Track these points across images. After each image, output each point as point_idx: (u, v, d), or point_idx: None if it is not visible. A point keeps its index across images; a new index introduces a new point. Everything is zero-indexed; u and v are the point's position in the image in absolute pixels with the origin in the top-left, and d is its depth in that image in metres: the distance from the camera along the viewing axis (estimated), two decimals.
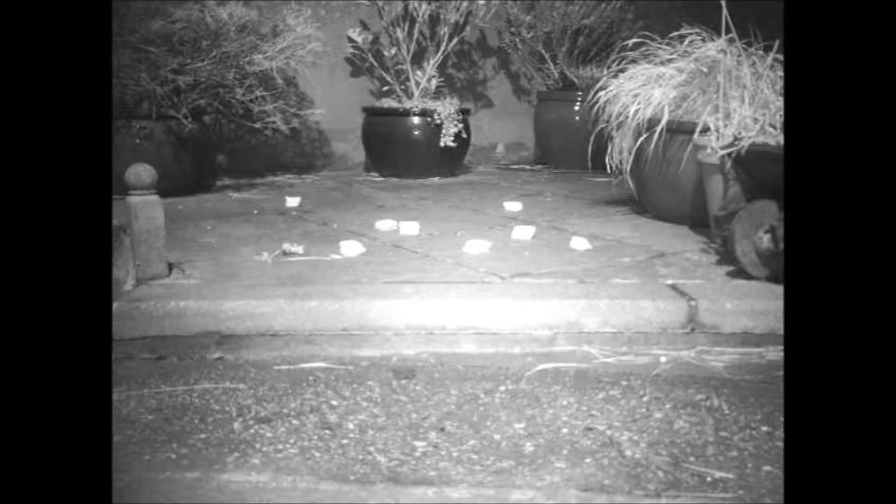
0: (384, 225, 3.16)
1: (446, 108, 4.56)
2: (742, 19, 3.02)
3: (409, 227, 3.10)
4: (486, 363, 2.02)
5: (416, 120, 4.61)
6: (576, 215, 3.51)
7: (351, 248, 2.73)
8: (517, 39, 5.31)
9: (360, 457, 1.59)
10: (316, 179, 4.76)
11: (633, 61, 3.28)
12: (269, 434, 1.82)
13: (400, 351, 2.09)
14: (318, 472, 1.62)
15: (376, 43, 4.92)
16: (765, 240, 2.34)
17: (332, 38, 4.74)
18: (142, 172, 2.38)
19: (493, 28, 5.30)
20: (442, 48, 4.81)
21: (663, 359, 2.06)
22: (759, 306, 2.19)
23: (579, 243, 2.82)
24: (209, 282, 2.38)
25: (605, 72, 3.51)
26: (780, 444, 1.61)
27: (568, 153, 5.07)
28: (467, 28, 4.94)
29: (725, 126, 2.78)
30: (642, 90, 3.12)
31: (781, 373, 1.97)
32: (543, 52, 5.25)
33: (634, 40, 3.34)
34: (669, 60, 3.17)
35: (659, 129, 3.03)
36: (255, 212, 3.61)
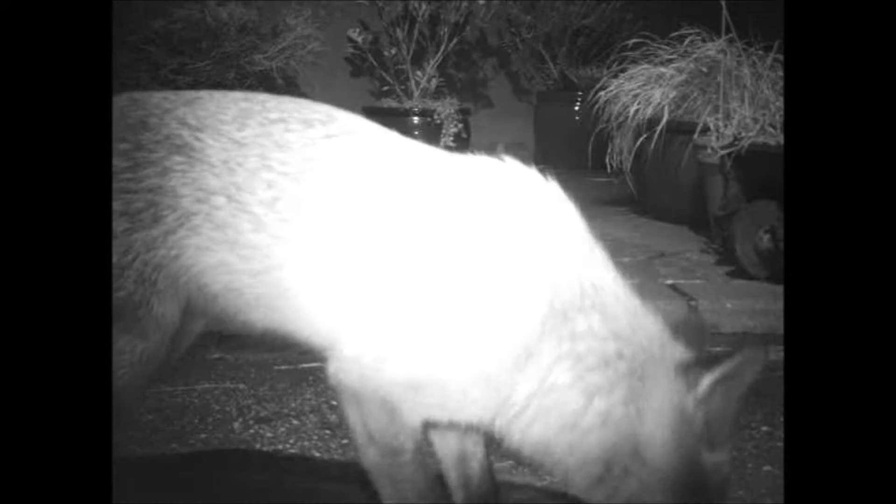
0: None
1: (446, 108, 4.55)
2: (742, 19, 3.02)
3: None
4: None
5: (416, 120, 4.60)
6: None
7: None
8: (517, 39, 5.31)
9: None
10: None
11: (634, 61, 3.28)
12: (269, 434, 1.82)
13: None
14: (318, 471, 1.62)
15: (376, 43, 4.91)
16: (765, 240, 2.34)
17: (332, 38, 4.74)
18: None
19: (493, 28, 5.29)
20: (442, 48, 4.81)
21: None
22: (759, 306, 2.19)
23: None
24: None
25: (605, 72, 3.51)
26: (780, 444, 1.61)
27: (568, 153, 5.06)
28: (467, 28, 4.94)
29: (725, 126, 2.78)
30: (642, 90, 3.12)
31: (781, 373, 1.97)
32: (543, 52, 5.25)
33: (634, 40, 3.34)
34: (669, 60, 3.16)
35: (659, 129, 3.03)
36: None
